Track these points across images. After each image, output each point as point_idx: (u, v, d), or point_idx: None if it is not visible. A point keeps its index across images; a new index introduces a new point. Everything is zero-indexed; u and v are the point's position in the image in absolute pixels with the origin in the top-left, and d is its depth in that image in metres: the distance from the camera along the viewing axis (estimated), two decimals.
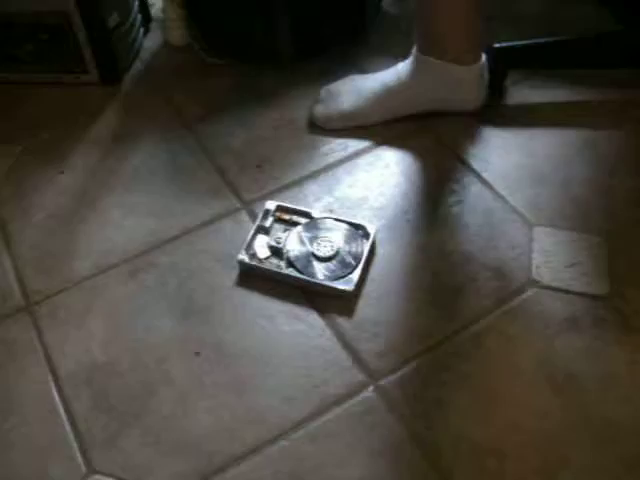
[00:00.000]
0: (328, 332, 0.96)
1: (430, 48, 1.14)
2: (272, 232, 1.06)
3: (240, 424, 0.88)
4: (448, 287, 0.99)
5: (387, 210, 1.10)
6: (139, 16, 1.44)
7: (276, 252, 1.03)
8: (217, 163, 1.20)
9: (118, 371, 0.94)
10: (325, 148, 1.20)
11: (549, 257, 1.01)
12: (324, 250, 1.02)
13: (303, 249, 1.03)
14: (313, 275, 1.00)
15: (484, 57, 1.17)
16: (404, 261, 1.03)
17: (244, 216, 1.11)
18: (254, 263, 1.02)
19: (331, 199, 1.12)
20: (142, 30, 1.46)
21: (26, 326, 1.00)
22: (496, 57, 1.20)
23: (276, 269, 1.01)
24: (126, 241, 1.09)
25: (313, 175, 1.16)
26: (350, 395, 0.89)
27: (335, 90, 1.25)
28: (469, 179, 1.13)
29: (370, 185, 1.14)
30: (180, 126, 1.27)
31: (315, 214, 1.07)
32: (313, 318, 0.97)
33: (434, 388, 0.89)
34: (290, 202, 1.10)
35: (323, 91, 1.26)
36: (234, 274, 1.03)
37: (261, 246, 1.04)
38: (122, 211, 1.14)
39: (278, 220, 1.08)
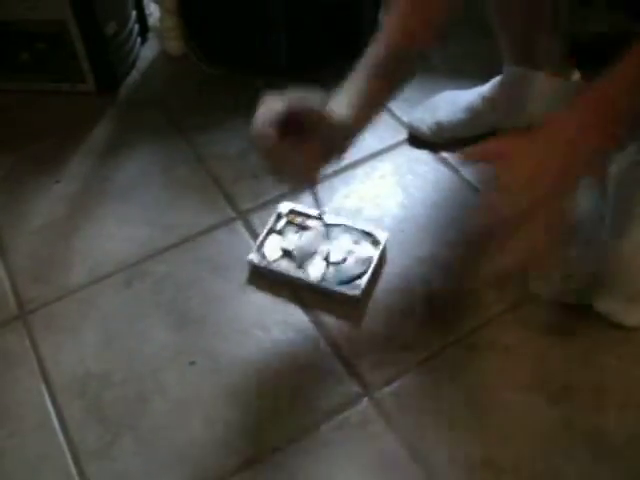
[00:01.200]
0: (323, 343, 0.96)
1: (524, 58, 1.10)
2: (284, 234, 1.06)
3: (234, 435, 0.87)
4: (444, 298, 0.99)
5: (382, 221, 1.10)
6: (136, 26, 1.44)
7: (287, 254, 1.03)
8: (213, 173, 1.20)
9: (112, 381, 0.93)
10: None
11: (544, 269, 1.01)
12: (334, 255, 1.02)
13: (314, 253, 1.03)
14: (322, 279, 1.00)
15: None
16: (399, 272, 1.03)
17: (239, 226, 1.11)
18: (264, 265, 1.02)
19: (326, 209, 1.12)
20: (139, 40, 1.46)
21: (20, 335, 1.00)
22: None
23: (286, 271, 1.02)
24: (121, 250, 1.09)
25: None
26: (345, 407, 0.89)
27: (433, 102, 1.23)
28: (464, 191, 1.13)
29: (366, 196, 1.14)
30: (176, 135, 1.28)
31: (327, 219, 1.07)
32: (309, 329, 0.97)
33: (430, 400, 0.89)
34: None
35: (421, 105, 1.24)
36: (229, 284, 1.03)
37: (272, 248, 1.04)
38: (117, 220, 1.13)
39: (290, 223, 1.08)
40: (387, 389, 0.90)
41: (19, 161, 1.25)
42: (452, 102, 1.20)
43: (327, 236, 1.05)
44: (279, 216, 1.08)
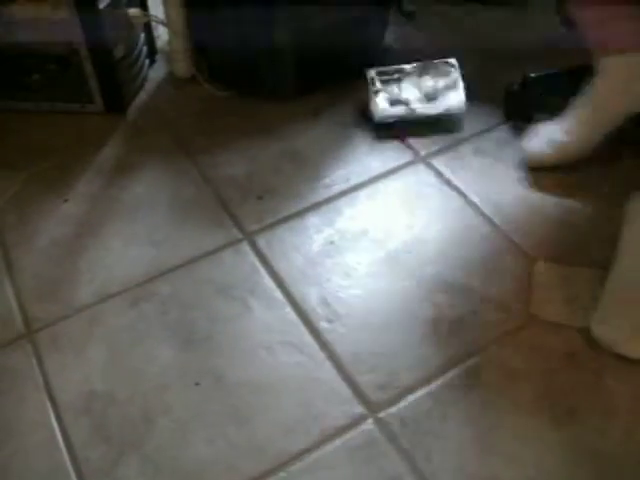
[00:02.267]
0: (327, 364, 0.96)
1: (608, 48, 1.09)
2: (386, 90, 1.30)
3: (239, 455, 0.88)
4: (448, 319, 1.00)
5: (387, 242, 1.10)
6: (145, 48, 1.46)
7: (397, 102, 1.28)
8: (219, 194, 1.21)
9: (117, 400, 0.94)
10: (327, 180, 1.22)
11: (548, 291, 1.01)
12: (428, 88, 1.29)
13: (418, 93, 1.29)
14: (435, 108, 1.27)
15: None
16: (404, 293, 1.04)
17: (245, 247, 1.12)
18: (387, 115, 1.27)
19: (332, 231, 1.13)
20: (147, 62, 1.48)
21: (26, 353, 1.00)
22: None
23: (409, 113, 1.27)
24: (127, 270, 1.10)
25: (314, 207, 1.17)
26: (349, 427, 0.89)
27: (542, 128, 1.20)
28: (469, 213, 1.14)
29: (371, 217, 1.15)
30: (183, 156, 1.29)
31: (407, 69, 1.31)
32: (312, 349, 0.98)
33: (433, 420, 0.89)
34: (290, 233, 1.12)
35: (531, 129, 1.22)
36: (235, 305, 1.04)
37: (384, 103, 1.28)
38: (124, 240, 1.14)
39: (384, 82, 1.30)
40: (391, 409, 0.91)
41: (28, 180, 1.26)
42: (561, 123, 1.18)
43: (416, 78, 1.30)
44: (372, 80, 1.30)
